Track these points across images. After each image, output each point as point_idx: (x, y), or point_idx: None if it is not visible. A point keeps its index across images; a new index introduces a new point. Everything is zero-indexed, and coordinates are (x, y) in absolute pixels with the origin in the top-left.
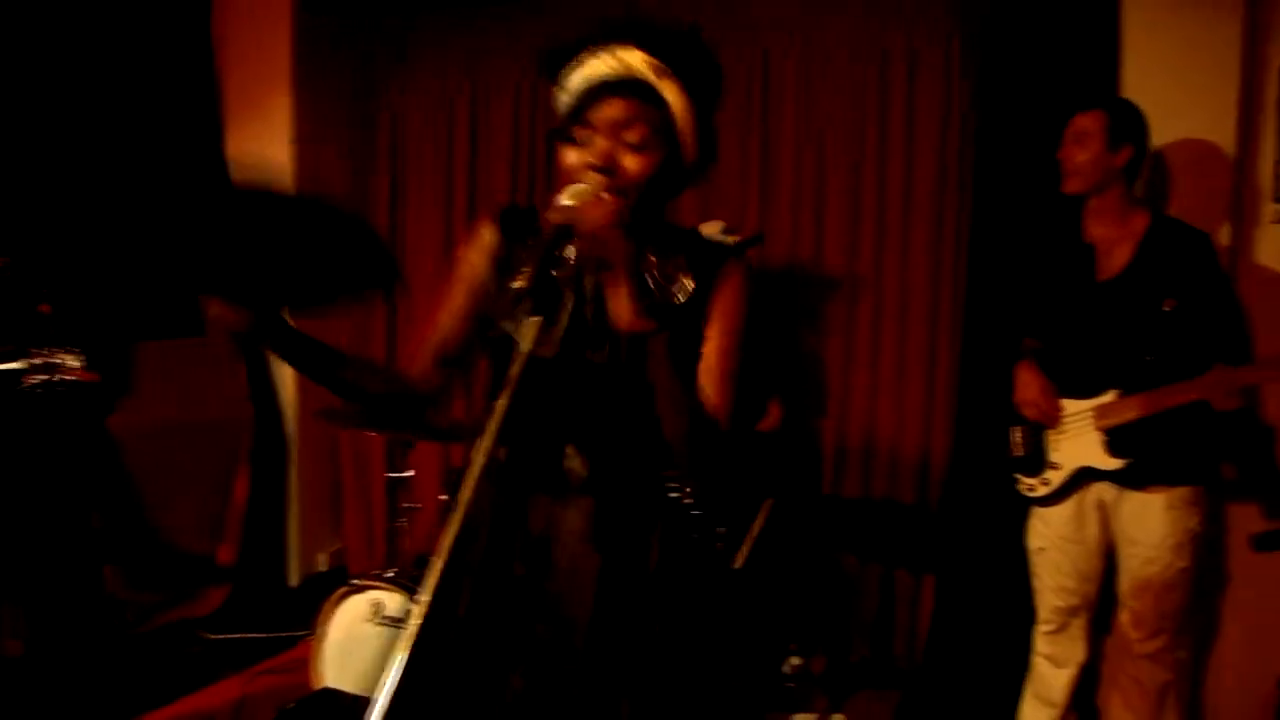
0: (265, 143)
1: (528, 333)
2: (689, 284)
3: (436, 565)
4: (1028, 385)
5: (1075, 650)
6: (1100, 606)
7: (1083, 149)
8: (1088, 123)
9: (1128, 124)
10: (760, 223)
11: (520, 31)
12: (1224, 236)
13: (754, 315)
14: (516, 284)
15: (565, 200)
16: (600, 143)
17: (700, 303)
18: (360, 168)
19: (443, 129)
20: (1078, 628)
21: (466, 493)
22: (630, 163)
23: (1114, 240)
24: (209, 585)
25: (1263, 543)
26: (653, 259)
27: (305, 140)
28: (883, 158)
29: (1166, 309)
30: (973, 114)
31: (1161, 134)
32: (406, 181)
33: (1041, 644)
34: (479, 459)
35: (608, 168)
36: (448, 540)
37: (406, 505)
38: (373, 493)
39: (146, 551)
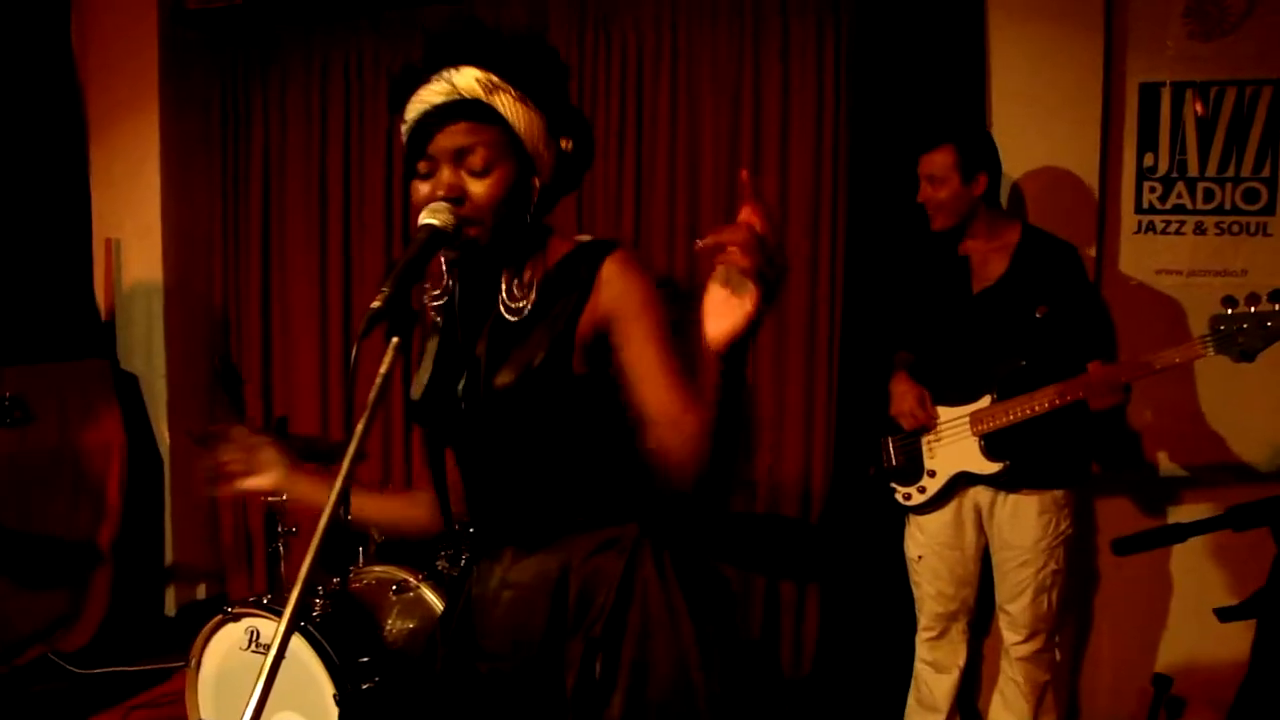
0: (132, 161)
1: (387, 356)
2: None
3: (292, 595)
4: (903, 396)
5: (956, 655)
6: (978, 610)
7: (939, 188)
8: (939, 161)
9: (978, 152)
10: (635, 236)
11: (396, 46)
12: (1090, 247)
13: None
14: (373, 304)
15: (426, 218)
16: (444, 173)
17: (574, 315)
18: (232, 186)
19: (316, 144)
20: (957, 632)
21: (322, 521)
22: (477, 189)
23: (987, 252)
24: (79, 616)
25: (1121, 547)
26: (508, 286)
27: (173, 158)
28: (758, 166)
29: (1039, 316)
30: (846, 131)
31: (1028, 148)
32: (284, 199)
33: (923, 650)
34: (336, 486)
35: (455, 198)
36: (303, 570)
37: (285, 530)
38: (251, 517)
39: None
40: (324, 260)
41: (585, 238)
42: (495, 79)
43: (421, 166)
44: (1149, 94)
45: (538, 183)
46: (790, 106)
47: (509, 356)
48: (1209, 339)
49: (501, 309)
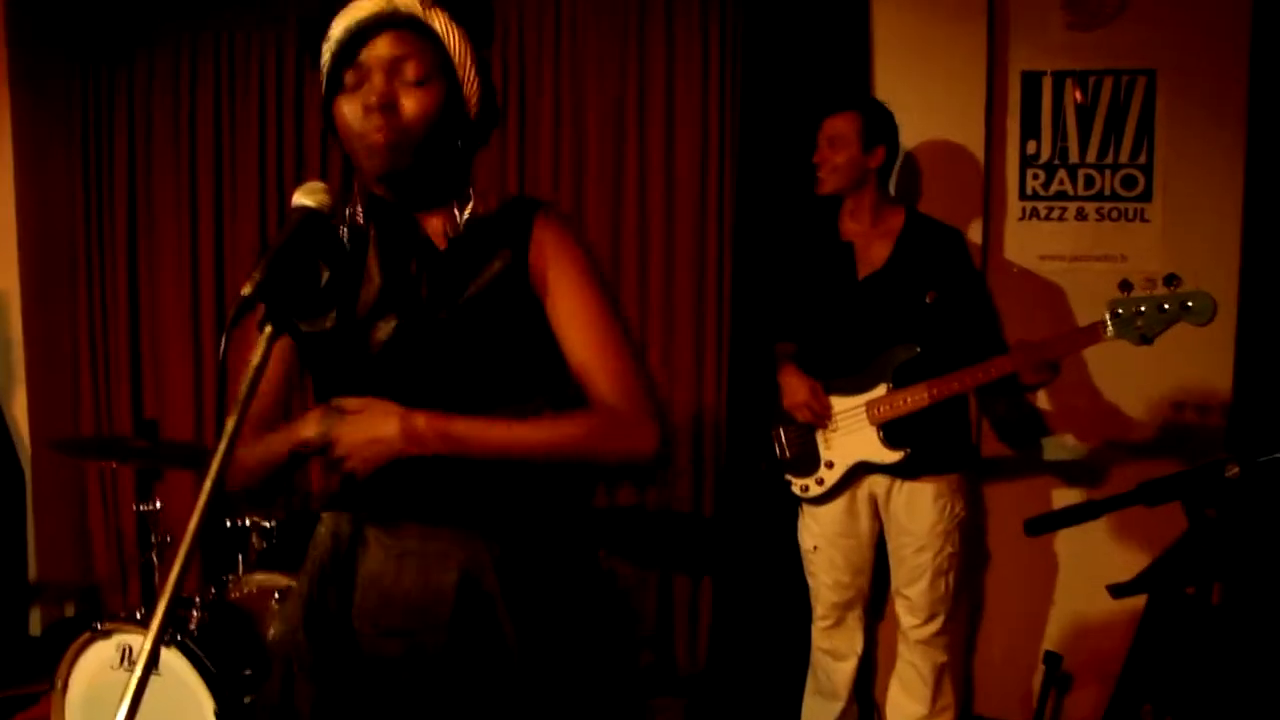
0: None
1: (258, 347)
2: (497, 264)
3: (159, 606)
4: (795, 389)
5: (853, 642)
6: (872, 595)
7: (837, 151)
8: (842, 125)
9: (880, 125)
10: None
11: (267, 27)
12: (975, 233)
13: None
14: (243, 291)
15: (301, 199)
16: (377, 80)
17: (518, 276)
18: (95, 185)
19: (185, 138)
20: (854, 620)
21: (194, 521)
22: (410, 102)
23: (871, 237)
24: None
25: (1034, 527)
26: (447, 230)
27: (27, 161)
28: (643, 156)
29: (928, 301)
30: (733, 120)
31: (913, 136)
32: (152, 195)
33: (820, 639)
34: (206, 484)
35: (388, 105)
36: (170, 580)
37: (159, 539)
38: (124, 528)
39: None
40: (195, 257)
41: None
42: None
43: (349, 77)
44: (1031, 82)
45: (466, 118)
46: (676, 92)
47: (450, 286)
48: (1109, 323)
49: (434, 240)
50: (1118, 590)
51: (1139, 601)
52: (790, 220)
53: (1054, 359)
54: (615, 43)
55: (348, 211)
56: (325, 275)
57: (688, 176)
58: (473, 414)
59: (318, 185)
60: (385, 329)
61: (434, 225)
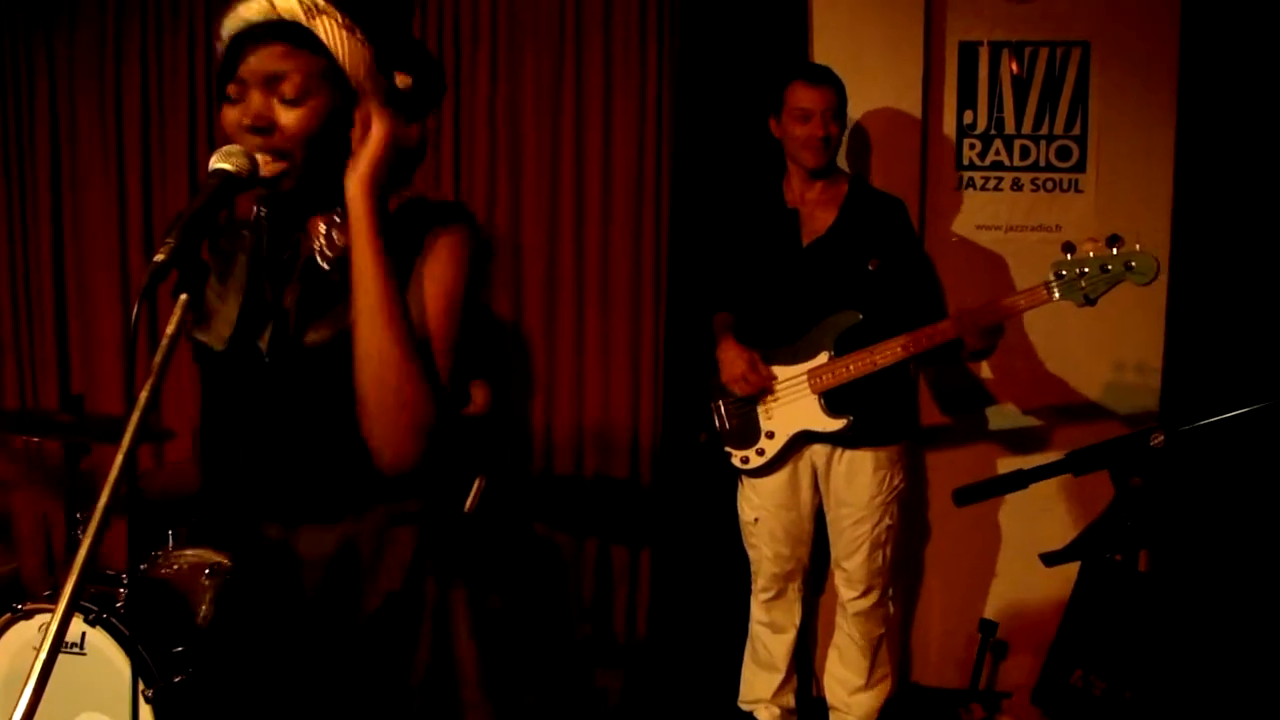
0: None
1: (174, 314)
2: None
3: (65, 590)
4: (734, 362)
5: (792, 614)
6: (812, 567)
7: (832, 124)
8: (832, 97)
9: (843, 99)
10: (455, 196)
11: None
12: (915, 202)
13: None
14: (156, 257)
15: (217, 163)
16: (254, 99)
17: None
18: (15, 153)
19: (111, 97)
20: (793, 592)
21: (101, 501)
22: (287, 119)
23: (816, 205)
24: None
25: (961, 498)
26: (327, 232)
27: None
28: (580, 126)
29: (871, 268)
30: (671, 88)
31: (852, 105)
32: (76, 163)
33: (759, 611)
34: (118, 458)
35: (263, 127)
36: (80, 554)
37: (86, 515)
38: (49, 504)
39: None
40: (123, 225)
41: (423, 194)
42: (320, 1)
43: (231, 90)
44: (968, 53)
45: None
46: (613, 58)
47: (322, 312)
48: (1053, 284)
49: (317, 258)
50: (1050, 558)
51: (1072, 570)
52: (731, 188)
53: (997, 322)
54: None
55: (254, 209)
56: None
57: (624, 143)
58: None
59: (235, 149)
60: (264, 339)
61: (326, 227)
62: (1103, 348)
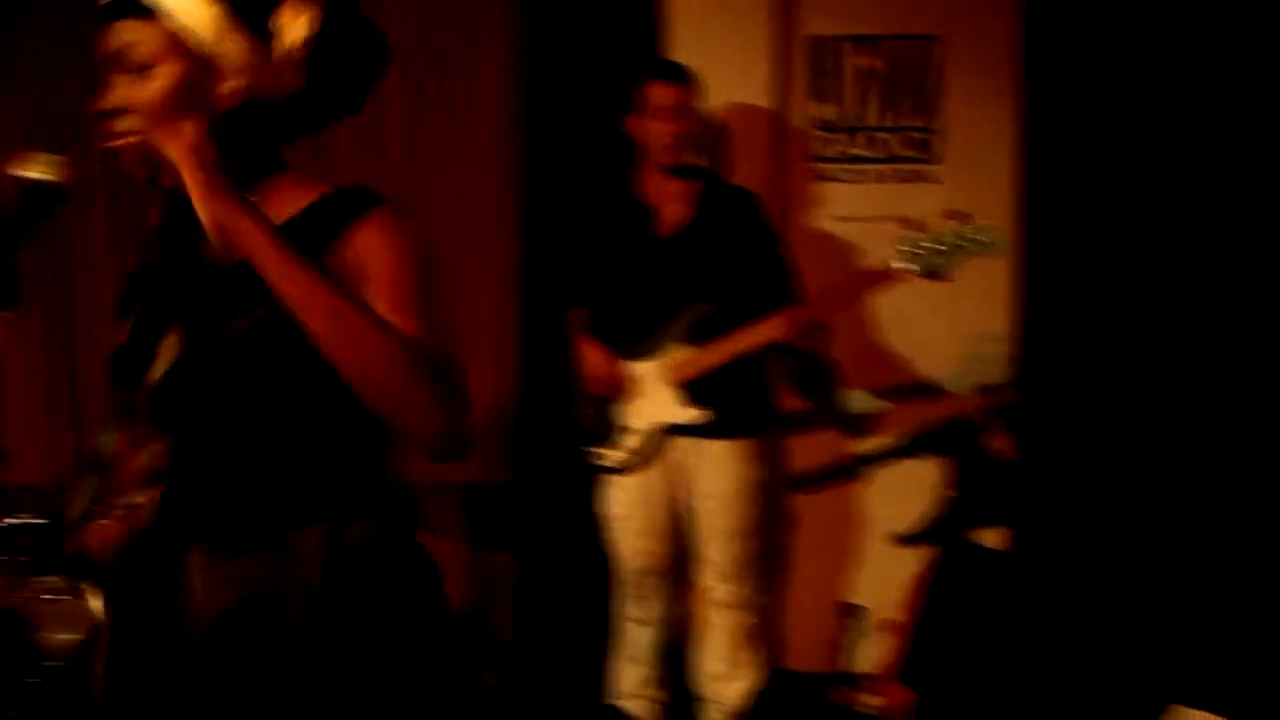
0: None
1: None
2: None
3: None
4: (592, 362)
5: (659, 608)
6: (678, 561)
7: (680, 121)
8: (685, 94)
9: (697, 96)
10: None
11: None
12: (770, 195)
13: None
14: None
15: (17, 170)
16: (110, 80)
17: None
18: None
19: None
20: (660, 586)
21: None
22: (139, 94)
23: (671, 200)
24: None
25: (801, 484)
26: None
27: None
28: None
29: (725, 262)
30: (523, 82)
31: (707, 99)
32: None
33: (625, 606)
34: None
35: (119, 110)
36: None
37: None
38: None
39: None
40: None
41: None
42: None
43: (100, 75)
44: (819, 47)
45: (231, 90)
46: (466, 55)
47: (236, 303)
48: (901, 259)
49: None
50: (905, 539)
51: (935, 551)
52: (586, 184)
53: (853, 303)
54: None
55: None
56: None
57: (473, 140)
58: (273, 445)
59: (44, 156)
60: (168, 346)
61: None
62: (953, 327)
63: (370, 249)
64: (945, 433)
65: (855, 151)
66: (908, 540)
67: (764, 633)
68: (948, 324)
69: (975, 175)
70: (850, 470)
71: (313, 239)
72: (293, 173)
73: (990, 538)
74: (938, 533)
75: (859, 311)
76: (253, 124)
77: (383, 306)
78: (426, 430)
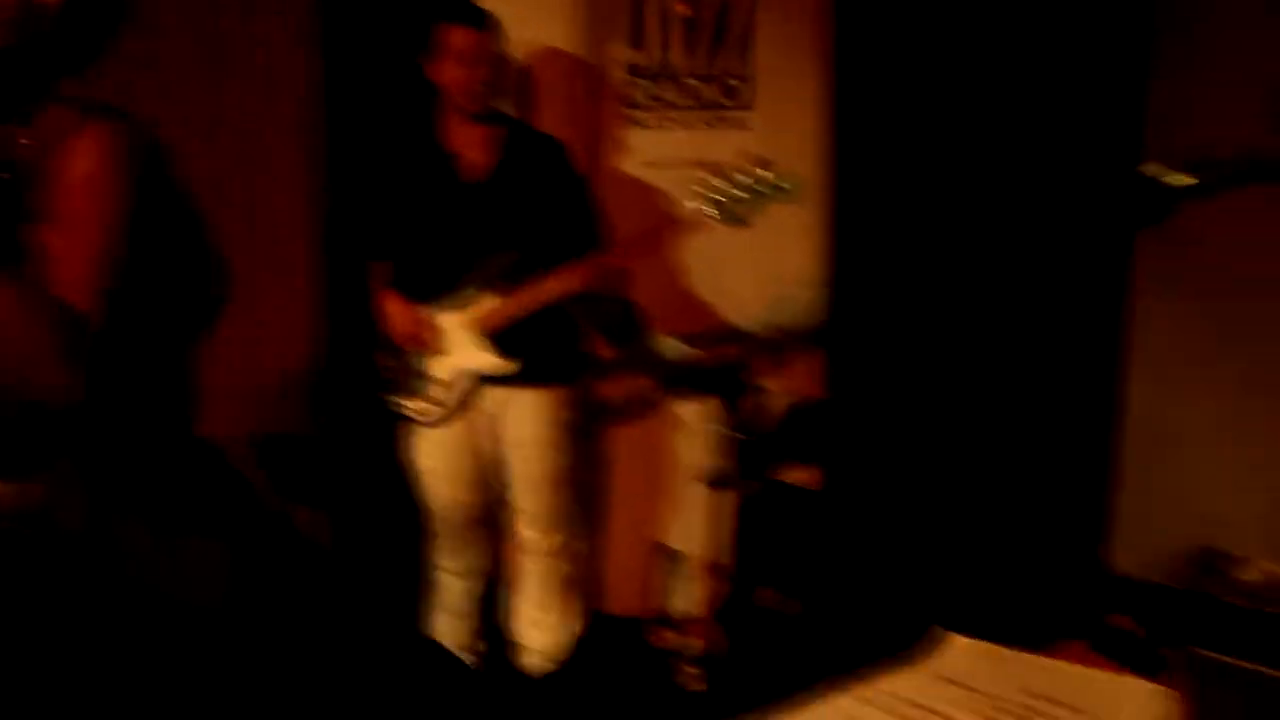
0: None
1: None
2: None
3: None
4: (398, 317)
5: (475, 559)
6: (491, 511)
7: (480, 66)
8: (487, 40)
9: (500, 39)
10: None
11: None
12: (578, 138)
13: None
14: None
15: None
16: None
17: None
18: None
19: None
20: (474, 536)
21: None
22: None
23: (474, 148)
24: None
25: (586, 429)
26: None
27: None
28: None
29: (529, 210)
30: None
31: (517, 43)
32: None
33: (441, 558)
34: None
35: None
36: None
37: None
38: None
39: None
40: None
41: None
42: None
43: None
44: None
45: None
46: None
47: None
48: (703, 206)
49: None
50: (714, 483)
51: (748, 492)
52: (385, 132)
53: (659, 248)
54: None
55: None
56: None
57: (269, 86)
58: None
59: None
60: None
61: None
62: (761, 272)
63: (70, 165)
64: (712, 373)
65: (665, 97)
66: (717, 483)
67: (581, 578)
68: (756, 269)
69: (784, 122)
70: (630, 411)
71: (33, 165)
72: (69, 102)
73: (803, 476)
74: (743, 473)
75: (667, 257)
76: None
77: (71, 228)
78: (47, 390)
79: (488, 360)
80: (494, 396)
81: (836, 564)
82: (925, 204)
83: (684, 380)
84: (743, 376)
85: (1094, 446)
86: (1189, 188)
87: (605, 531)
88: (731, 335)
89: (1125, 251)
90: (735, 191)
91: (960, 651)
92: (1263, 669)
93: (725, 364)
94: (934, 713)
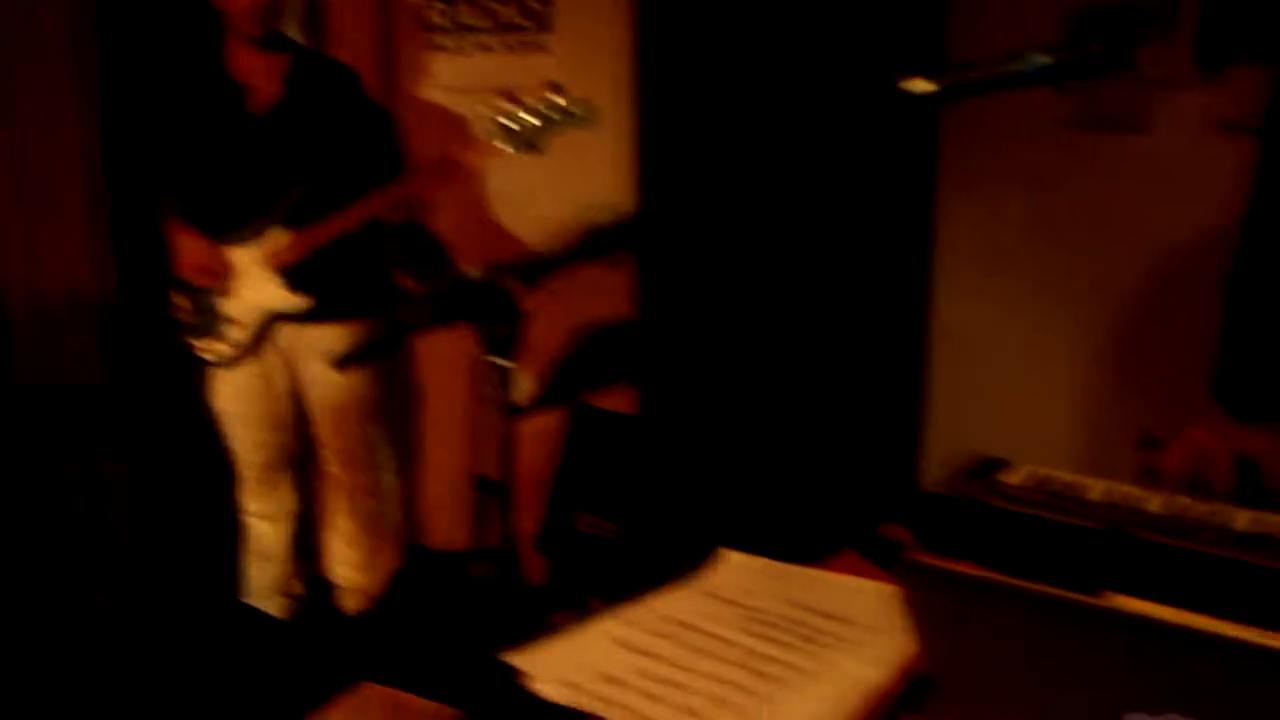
0: None
1: None
2: None
3: None
4: (189, 253)
5: (284, 501)
6: (299, 450)
7: None
8: None
9: None
10: None
11: None
12: (377, 63)
13: None
14: None
15: None
16: None
17: None
18: None
19: None
20: (282, 478)
21: None
22: None
23: (260, 75)
24: None
25: (343, 362)
26: None
27: None
28: None
29: (321, 140)
30: None
31: None
32: None
33: (248, 502)
34: None
35: None
36: None
37: None
38: None
39: None
40: None
41: None
42: None
43: None
44: None
45: None
46: None
47: None
48: (494, 135)
49: None
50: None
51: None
52: (168, 61)
53: (454, 179)
54: None
55: None
56: None
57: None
58: None
59: None
60: None
61: None
62: (566, 198)
63: None
64: (469, 297)
65: (463, 19)
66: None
67: (394, 514)
68: (562, 195)
69: (588, 44)
70: (381, 348)
71: None
72: None
73: (620, 401)
74: (551, 398)
75: (470, 186)
76: None
77: None
78: None
79: (282, 297)
80: (292, 334)
81: (652, 486)
82: (732, 120)
83: (467, 309)
84: (522, 302)
85: (903, 358)
86: (934, 95)
87: (421, 464)
88: (533, 262)
89: (929, 159)
90: (527, 118)
91: (732, 568)
92: (975, 571)
93: (499, 289)
94: (696, 629)
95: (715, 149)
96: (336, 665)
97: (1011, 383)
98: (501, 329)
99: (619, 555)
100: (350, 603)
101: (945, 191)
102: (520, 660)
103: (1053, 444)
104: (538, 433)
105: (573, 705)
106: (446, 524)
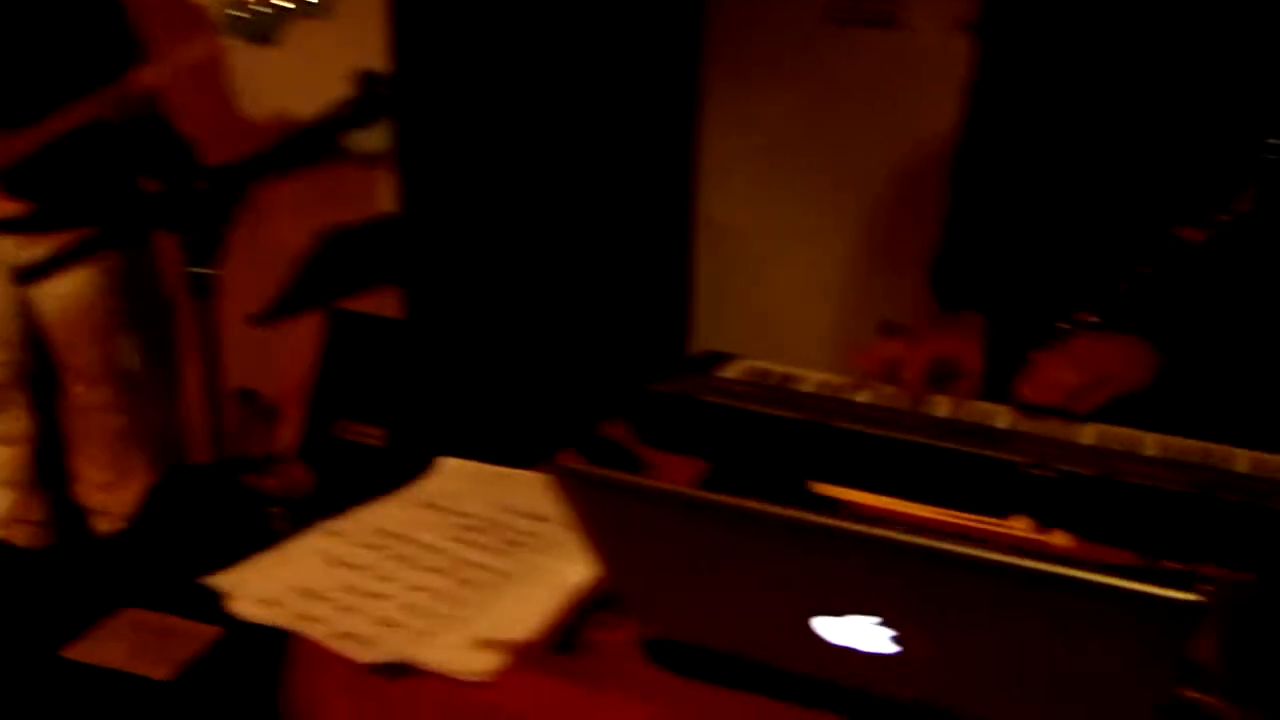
0: None
1: None
2: None
3: None
4: None
5: (19, 423)
6: (37, 370)
7: None
8: None
9: None
10: None
11: None
12: None
13: None
14: None
15: None
16: None
17: None
18: None
19: None
20: (15, 400)
21: None
22: None
23: None
24: None
25: (25, 277)
26: None
27: None
28: None
29: (38, 31)
30: None
31: None
32: None
33: None
34: None
35: None
36: None
37: None
38: None
39: None
40: None
41: None
42: None
43: None
44: None
45: None
46: None
47: None
48: (224, 25)
49: None
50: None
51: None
52: None
53: (188, 65)
54: None
55: None
56: None
57: None
58: None
59: None
60: None
61: None
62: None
63: None
64: (163, 203)
65: None
66: (261, 319)
67: (148, 432)
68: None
69: None
70: (77, 255)
71: None
72: None
73: (386, 304)
74: (294, 305)
75: (215, 79)
76: None
77: None
78: None
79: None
80: (11, 246)
81: (416, 389)
82: (491, 13)
83: (163, 216)
84: (228, 207)
85: (668, 251)
86: None
87: (181, 377)
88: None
89: (694, 52)
90: (259, 8)
91: (447, 474)
92: (620, 476)
93: (195, 193)
94: (404, 539)
95: (473, 40)
96: (92, 592)
97: (775, 275)
98: (199, 236)
99: (386, 462)
100: (104, 526)
101: (710, 84)
102: (224, 580)
103: (814, 334)
104: (297, 341)
105: (271, 623)
106: (210, 438)
